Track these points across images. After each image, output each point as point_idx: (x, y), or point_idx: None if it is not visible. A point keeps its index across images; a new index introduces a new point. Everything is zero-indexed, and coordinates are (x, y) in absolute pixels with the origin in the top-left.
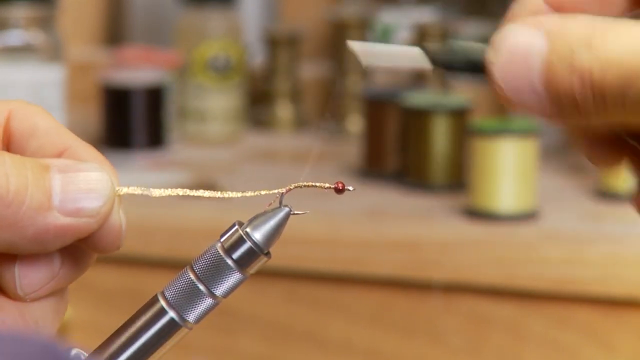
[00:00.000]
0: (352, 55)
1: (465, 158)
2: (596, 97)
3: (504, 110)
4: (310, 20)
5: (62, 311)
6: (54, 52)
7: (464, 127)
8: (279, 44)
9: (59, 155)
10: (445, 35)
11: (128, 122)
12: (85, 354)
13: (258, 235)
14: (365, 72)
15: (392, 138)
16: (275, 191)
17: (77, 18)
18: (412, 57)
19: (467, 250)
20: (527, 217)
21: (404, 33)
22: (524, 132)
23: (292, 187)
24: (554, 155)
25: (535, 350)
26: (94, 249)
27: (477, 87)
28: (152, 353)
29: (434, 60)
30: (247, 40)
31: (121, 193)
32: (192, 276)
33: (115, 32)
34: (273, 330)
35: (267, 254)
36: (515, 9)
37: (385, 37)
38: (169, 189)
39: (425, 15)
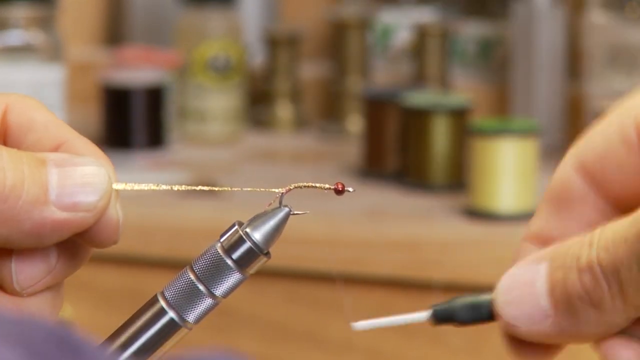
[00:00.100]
0: (352, 56)
1: (465, 158)
2: (611, 282)
3: (504, 111)
4: (310, 20)
5: (58, 305)
6: (54, 52)
7: (464, 127)
8: (279, 44)
9: (56, 149)
10: (445, 35)
11: (128, 122)
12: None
13: (258, 235)
14: (365, 72)
15: (392, 138)
16: (275, 190)
17: (77, 18)
18: (414, 320)
19: (467, 250)
20: (527, 217)
21: (404, 33)
22: (524, 132)
23: (291, 187)
24: (554, 155)
25: None
26: (91, 244)
27: (477, 87)
28: (151, 353)
29: (437, 317)
30: (247, 40)
31: (118, 187)
32: (191, 276)
33: (115, 32)
34: (273, 331)
35: (267, 254)
36: (513, 257)
37: (385, 37)
38: (166, 185)
39: (425, 15)
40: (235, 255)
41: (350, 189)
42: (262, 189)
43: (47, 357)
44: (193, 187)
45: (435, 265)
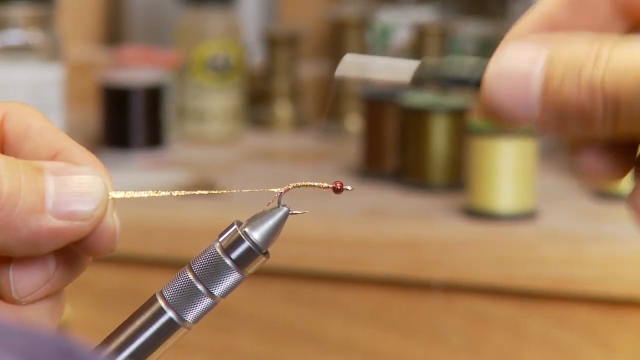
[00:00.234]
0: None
1: (464, 158)
2: (609, 109)
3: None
4: (310, 20)
5: (58, 314)
6: (53, 52)
7: (463, 127)
8: (278, 44)
9: (53, 157)
10: (444, 35)
11: (127, 122)
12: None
13: (257, 235)
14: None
15: (391, 138)
16: (274, 190)
17: (77, 18)
18: (402, 69)
19: (467, 250)
20: (526, 217)
21: (404, 33)
22: (523, 132)
23: (290, 187)
24: (554, 155)
25: (535, 350)
26: (88, 252)
27: None
28: (151, 353)
29: (425, 74)
30: (246, 40)
31: (117, 196)
32: (191, 276)
33: (115, 32)
34: (272, 330)
35: (266, 254)
36: (513, 30)
37: (384, 36)
38: (165, 191)
39: (425, 15)
40: (234, 255)
41: (349, 188)
42: (261, 189)
43: None
44: (192, 192)
45: (435, 265)
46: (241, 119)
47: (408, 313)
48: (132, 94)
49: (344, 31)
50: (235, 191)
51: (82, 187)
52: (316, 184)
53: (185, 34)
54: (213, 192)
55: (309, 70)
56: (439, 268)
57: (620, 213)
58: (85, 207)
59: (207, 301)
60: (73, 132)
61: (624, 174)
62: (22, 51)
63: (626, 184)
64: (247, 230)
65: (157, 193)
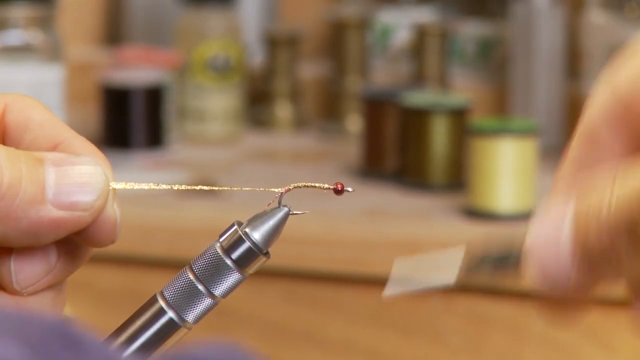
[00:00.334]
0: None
1: (464, 158)
2: (627, 239)
3: (504, 111)
4: (310, 20)
5: (60, 305)
6: (53, 52)
7: (463, 127)
8: (278, 44)
9: (54, 148)
10: (445, 35)
11: (128, 122)
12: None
13: (257, 235)
14: (365, 72)
15: (391, 138)
16: (274, 190)
17: (77, 18)
18: (447, 267)
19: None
20: (526, 216)
21: (404, 33)
22: (523, 132)
23: (291, 187)
24: (554, 155)
25: (535, 350)
26: (89, 243)
27: (476, 87)
28: (151, 353)
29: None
30: (246, 40)
31: (118, 187)
32: (191, 276)
33: (115, 32)
34: (272, 330)
35: (266, 254)
36: (553, 184)
37: (384, 36)
38: (166, 184)
39: (425, 15)
40: (234, 255)
41: (350, 189)
42: (261, 189)
43: (50, 352)
44: (192, 187)
45: None
46: (241, 119)
47: (408, 313)
48: (132, 94)
49: (344, 31)
50: (235, 188)
51: (82, 178)
52: (317, 184)
53: (185, 34)
54: (214, 187)
55: (309, 70)
56: None
57: None
58: (86, 197)
59: (207, 301)
60: None
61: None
62: (22, 51)
63: None
64: (247, 230)
65: (157, 186)
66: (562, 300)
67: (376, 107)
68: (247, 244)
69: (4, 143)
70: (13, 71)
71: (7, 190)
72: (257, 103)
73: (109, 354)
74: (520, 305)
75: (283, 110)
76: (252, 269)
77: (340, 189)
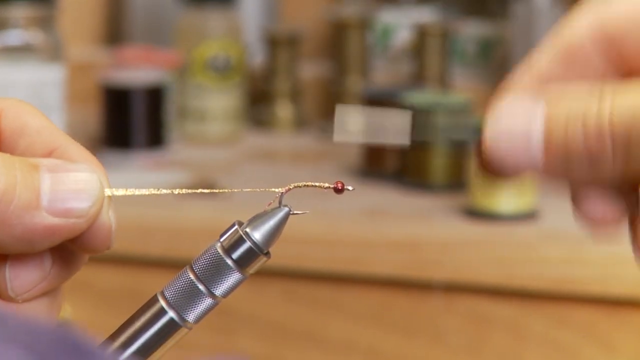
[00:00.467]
0: (352, 55)
1: (464, 158)
2: (618, 149)
3: None
4: (310, 20)
5: (55, 312)
6: (53, 52)
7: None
8: (279, 44)
9: (49, 154)
10: (445, 35)
11: (128, 122)
12: None
13: (258, 235)
14: (365, 72)
15: None
16: (275, 190)
17: (77, 18)
18: (397, 126)
19: (467, 250)
20: (526, 217)
21: (404, 33)
22: None
23: (291, 187)
24: None
25: (535, 350)
26: (84, 250)
27: (477, 87)
28: (151, 353)
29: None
30: (247, 40)
31: (110, 194)
32: (191, 276)
33: (115, 32)
34: (272, 330)
35: (267, 253)
36: (506, 86)
37: (385, 36)
38: (165, 189)
39: (425, 15)
40: (235, 255)
41: (350, 188)
42: (261, 189)
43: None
44: (193, 191)
45: (435, 265)
46: (241, 119)
47: (408, 313)
48: (132, 94)
49: (345, 31)
50: (236, 190)
51: (77, 184)
52: (317, 184)
53: (186, 34)
54: (214, 190)
55: (309, 70)
56: (440, 268)
57: None
58: (81, 204)
59: (208, 301)
60: (73, 132)
61: (624, 217)
62: (22, 51)
63: None
64: (248, 230)
65: (158, 191)
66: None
67: (377, 107)
68: (247, 244)
69: None
70: (13, 71)
71: (1, 196)
72: (257, 103)
73: None
74: (520, 305)
75: (283, 110)
76: (253, 268)
77: (340, 187)
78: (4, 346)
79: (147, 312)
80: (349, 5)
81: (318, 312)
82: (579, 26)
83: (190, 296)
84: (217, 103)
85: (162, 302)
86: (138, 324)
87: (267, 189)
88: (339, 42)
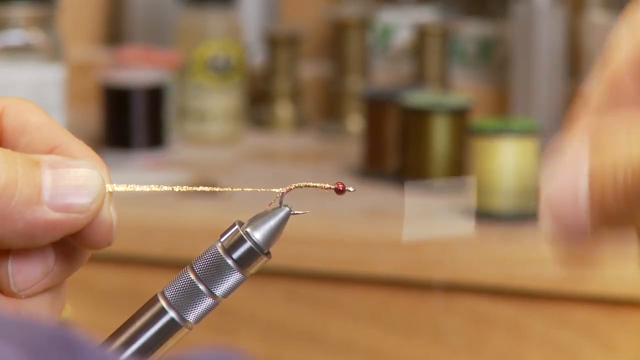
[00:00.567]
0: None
1: (465, 158)
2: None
3: (504, 110)
4: (310, 20)
5: (58, 308)
6: (54, 52)
7: (464, 127)
8: (279, 44)
9: (50, 151)
10: (445, 35)
11: (128, 122)
12: None
13: (258, 235)
14: (365, 72)
15: (392, 138)
16: (275, 190)
17: (77, 18)
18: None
19: (468, 250)
20: (527, 217)
21: (404, 33)
22: (524, 132)
23: (292, 187)
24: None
25: (535, 350)
26: (85, 245)
27: (477, 87)
28: (152, 353)
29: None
30: (247, 40)
31: (111, 190)
32: (192, 276)
33: (115, 32)
34: (273, 330)
35: (268, 254)
36: (570, 127)
37: (385, 36)
38: (165, 186)
39: (425, 15)
40: (235, 255)
41: (351, 189)
42: (262, 189)
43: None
44: (194, 188)
45: (436, 265)
46: (241, 119)
47: (409, 313)
48: (132, 94)
49: (345, 31)
50: (236, 189)
51: (78, 180)
52: (318, 184)
53: (186, 34)
54: (215, 188)
55: (309, 70)
56: (440, 268)
57: None
58: (82, 199)
59: (208, 301)
60: (73, 132)
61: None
62: (22, 51)
63: None
64: (248, 230)
65: (159, 188)
66: (578, 248)
67: (377, 107)
68: (248, 244)
69: (0, 146)
70: (13, 71)
71: (3, 192)
72: (257, 103)
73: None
74: (520, 305)
75: (283, 110)
76: (253, 268)
77: (341, 188)
78: None
79: (148, 312)
80: (349, 5)
81: (318, 312)
82: (621, 50)
83: (190, 296)
84: (217, 103)
85: (163, 302)
86: (138, 324)
87: (267, 189)
88: (339, 42)
